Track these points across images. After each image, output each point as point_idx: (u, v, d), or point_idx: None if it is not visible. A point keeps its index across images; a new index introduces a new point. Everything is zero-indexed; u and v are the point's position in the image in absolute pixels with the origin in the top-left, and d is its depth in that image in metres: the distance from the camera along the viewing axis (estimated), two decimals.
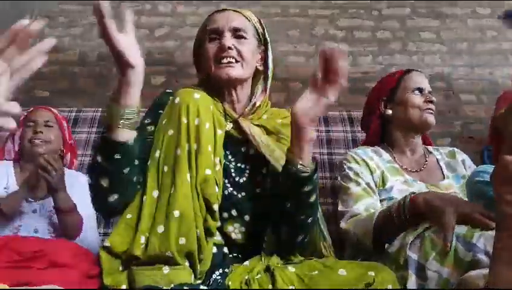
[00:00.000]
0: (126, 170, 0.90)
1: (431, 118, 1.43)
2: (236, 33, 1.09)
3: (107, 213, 1.01)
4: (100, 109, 2.14)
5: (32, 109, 1.69)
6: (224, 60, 1.06)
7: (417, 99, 1.44)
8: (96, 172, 0.92)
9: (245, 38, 1.10)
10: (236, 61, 1.07)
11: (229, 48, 1.06)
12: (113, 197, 0.91)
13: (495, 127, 2.03)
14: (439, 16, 2.85)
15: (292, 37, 2.74)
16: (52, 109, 1.73)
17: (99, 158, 0.91)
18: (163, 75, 2.59)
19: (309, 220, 1.01)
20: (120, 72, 0.88)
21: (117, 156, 0.89)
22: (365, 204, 1.28)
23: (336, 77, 0.92)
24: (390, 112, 1.48)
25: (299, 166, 0.94)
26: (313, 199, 0.99)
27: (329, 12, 2.83)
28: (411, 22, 2.83)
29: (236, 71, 1.07)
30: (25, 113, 1.68)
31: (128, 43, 0.85)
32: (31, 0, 2.75)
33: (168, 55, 2.66)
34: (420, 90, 1.46)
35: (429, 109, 1.43)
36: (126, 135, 0.89)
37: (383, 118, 1.50)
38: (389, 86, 1.52)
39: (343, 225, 1.28)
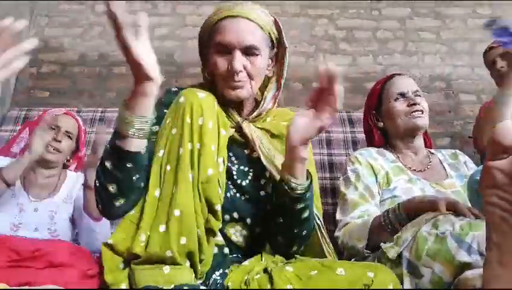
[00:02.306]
0: (135, 177, 0.90)
1: (420, 121, 1.41)
2: (248, 50, 1.03)
3: (111, 216, 0.98)
4: (100, 109, 2.15)
5: (61, 113, 1.68)
6: (233, 83, 1.03)
7: (400, 106, 1.44)
8: (104, 177, 0.91)
9: (256, 54, 1.04)
10: (245, 81, 1.04)
11: (240, 71, 1.02)
12: (120, 202, 0.91)
13: (474, 137, 2.09)
14: (439, 16, 2.85)
15: (292, 37, 2.74)
16: (79, 120, 1.73)
17: (108, 164, 0.90)
18: (163, 75, 2.57)
19: (303, 233, 1.02)
20: (136, 82, 0.87)
21: (128, 165, 0.88)
22: (362, 211, 1.29)
23: (332, 99, 0.92)
24: (381, 124, 1.50)
25: (291, 184, 0.95)
26: (305, 215, 0.99)
27: (329, 12, 2.83)
28: (411, 22, 2.83)
29: (245, 92, 1.05)
30: (48, 113, 1.68)
31: (146, 53, 0.84)
32: (31, 0, 2.74)
33: (168, 55, 2.65)
34: (402, 94, 1.45)
35: (415, 111, 1.41)
36: (138, 143, 0.88)
37: (379, 128, 1.52)
38: (374, 98, 1.54)
39: (338, 234, 1.29)
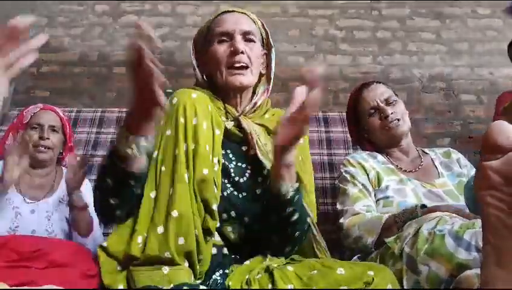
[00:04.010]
0: (136, 189, 0.89)
1: (398, 130, 1.42)
2: (246, 36, 1.09)
3: (112, 223, 0.98)
4: (100, 109, 2.15)
5: (38, 110, 1.67)
6: (237, 65, 1.06)
7: (375, 121, 1.44)
8: (105, 192, 0.91)
9: (254, 41, 1.10)
10: (247, 68, 1.07)
11: (242, 52, 1.05)
12: (121, 212, 0.91)
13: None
14: (439, 16, 2.85)
15: (292, 37, 2.74)
16: (58, 111, 1.71)
17: (109, 180, 0.89)
18: (163, 75, 2.59)
19: (296, 234, 1.01)
20: (143, 108, 0.82)
21: (131, 181, 0.87)
22: (365, 205, 1.30)
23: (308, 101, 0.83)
24: (366, 135, 1.52)
25: (281, 188, 0.93)
26: (295, 217, 0.98)
27: (329, 12, 2.83)
28: (411, 22, 2.82)
29: (247, 79, 1.08)
30: (25, 113, 1.68)
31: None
32: (31, 0, 2.75)
33: (168, 55, 2.65)
34: (374, 108, 1.45)
35: (391, 123, 1.41)
36: (141, 164, 0.86)
37: (366, 139, 1.54)
38: (351, 113, 1.56)
39: (344, 221, 1.28)
